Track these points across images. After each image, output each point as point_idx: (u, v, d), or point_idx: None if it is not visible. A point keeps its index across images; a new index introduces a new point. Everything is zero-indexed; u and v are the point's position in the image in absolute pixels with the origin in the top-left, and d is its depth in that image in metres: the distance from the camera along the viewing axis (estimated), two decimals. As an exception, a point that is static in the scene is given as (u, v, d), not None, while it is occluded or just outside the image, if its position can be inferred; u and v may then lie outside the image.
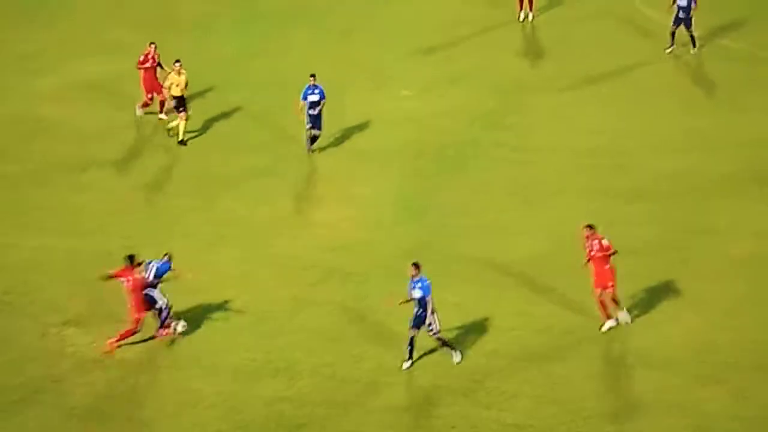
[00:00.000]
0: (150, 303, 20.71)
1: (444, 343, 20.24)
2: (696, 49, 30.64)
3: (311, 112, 25.99)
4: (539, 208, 24.67)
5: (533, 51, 31.64)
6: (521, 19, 32.74)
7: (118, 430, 19.20)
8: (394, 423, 19.10)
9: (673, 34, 30.50)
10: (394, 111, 28.52)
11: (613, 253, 20.53)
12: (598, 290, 20.73)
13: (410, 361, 20.23)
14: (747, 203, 24.55)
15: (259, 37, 32.01)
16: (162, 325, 20.93)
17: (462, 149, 26.74)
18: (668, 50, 30.75)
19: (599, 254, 20.53)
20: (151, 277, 20.69)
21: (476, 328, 21.07)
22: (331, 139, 27.34)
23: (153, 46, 27.43)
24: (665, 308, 21.46)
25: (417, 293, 19.92)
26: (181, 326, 21.00)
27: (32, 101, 28.78)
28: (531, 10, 32.74)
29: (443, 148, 26.73)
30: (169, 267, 21.01)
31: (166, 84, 27.02)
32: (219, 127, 27.84)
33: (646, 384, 19.67)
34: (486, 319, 21.30)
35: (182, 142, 27.10)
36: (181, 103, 26.83)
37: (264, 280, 22.57)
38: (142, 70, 27.40)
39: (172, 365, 20.42)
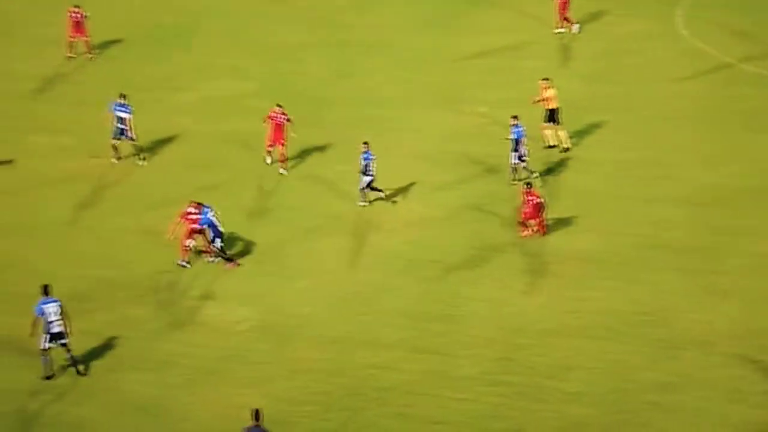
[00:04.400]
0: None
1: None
2: None
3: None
4: (596, 211, 25.19)
5: (589, 75, 31.70)
6: (556, 32, 33.40)
7: (244, 388, 20.06)
8: (467, 388, 19.86)
9: None
10: (465, 125, 28.99)
11: None
12: None
13: None
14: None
15: (346, 62, 32.66)
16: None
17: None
18: None
19: None
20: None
21: (540, 309, 21.73)
22: (409, 149, 28.01)
23: (280, 108, 26.66)
24: (703, 298, 21.99)
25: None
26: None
27: (171, 113, 29.62)
28: (570, 23, 33.30)
29: (507, 159, 27.25)
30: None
31: (540, 98, 26.97)
32: (317, 138, 28.36)
33: (688, 362, 20.27)
34: (548, 302, 21.98)
35: (566, 149, 27.12)
36: (552, 115, 27.03)
37: (358, 266, 23.43)
38: (271, 124, 26.62)
39: (282, 336, 21.34)
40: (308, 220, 25.12)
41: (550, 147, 27.58)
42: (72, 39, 31.91)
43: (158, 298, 22.51)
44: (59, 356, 20.23)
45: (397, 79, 31.12)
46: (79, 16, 31.73)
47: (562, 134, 27.57)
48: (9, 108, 30.02)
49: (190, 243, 23.32)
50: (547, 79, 27.61)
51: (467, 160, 27.46)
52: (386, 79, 31.55)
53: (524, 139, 25.84)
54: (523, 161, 26.07)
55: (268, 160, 27.22)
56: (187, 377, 20.34)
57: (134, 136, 26.98)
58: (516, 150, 25.80)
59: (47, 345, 19.76)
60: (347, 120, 29.41)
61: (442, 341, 21.13)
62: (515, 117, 25.84)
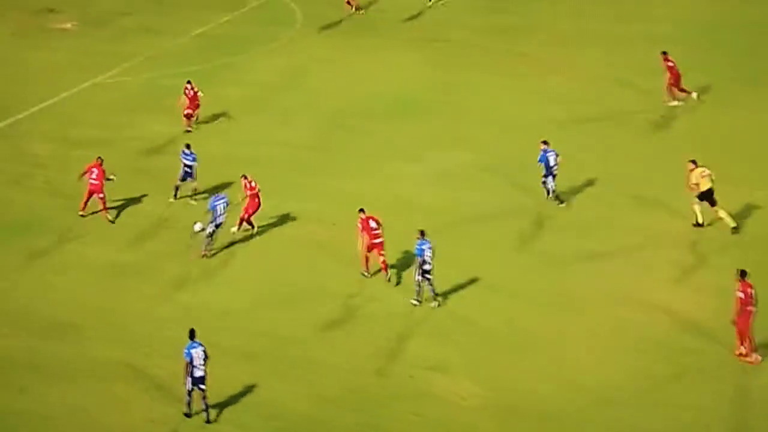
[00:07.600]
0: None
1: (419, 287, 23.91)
2: None
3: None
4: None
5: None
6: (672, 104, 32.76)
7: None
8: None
9: None
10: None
11: None
12: None
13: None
14: None
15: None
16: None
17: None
18: None
19: None
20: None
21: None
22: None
23: (246, 179, 27.15)
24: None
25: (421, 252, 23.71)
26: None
27: (399, 184, 29.92)
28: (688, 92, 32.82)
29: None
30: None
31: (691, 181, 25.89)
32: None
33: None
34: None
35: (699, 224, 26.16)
36: (704, 196, 25.84)
37: (593, 341, 22.59)
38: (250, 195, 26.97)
39: (512, 414, 20.76)
40: (542, 297, 24.58)
41: (697, 225, 26.37)
42: (190, 112, 33.17)
43: (383, 368, 22.36)
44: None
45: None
46: (192, 91, 33.16)
47: (723, 214, 26.19)
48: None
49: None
50: (694, 162, 26.31)
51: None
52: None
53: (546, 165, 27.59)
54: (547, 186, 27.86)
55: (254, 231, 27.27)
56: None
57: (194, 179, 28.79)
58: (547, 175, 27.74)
59: (190, 387, 20.14)
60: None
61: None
62: (545, 142, 27.62)
